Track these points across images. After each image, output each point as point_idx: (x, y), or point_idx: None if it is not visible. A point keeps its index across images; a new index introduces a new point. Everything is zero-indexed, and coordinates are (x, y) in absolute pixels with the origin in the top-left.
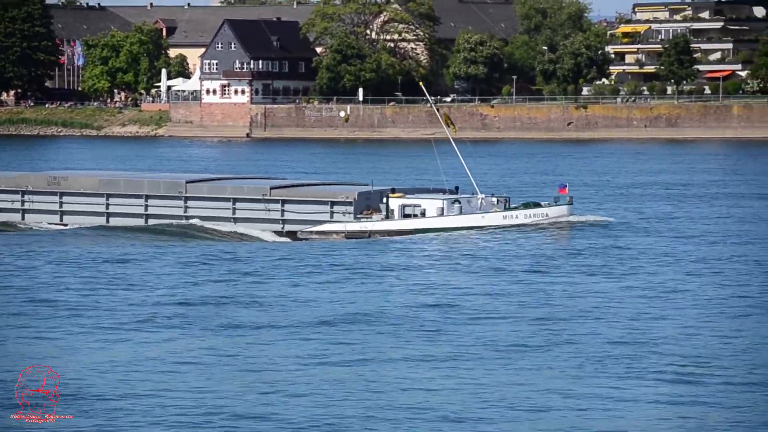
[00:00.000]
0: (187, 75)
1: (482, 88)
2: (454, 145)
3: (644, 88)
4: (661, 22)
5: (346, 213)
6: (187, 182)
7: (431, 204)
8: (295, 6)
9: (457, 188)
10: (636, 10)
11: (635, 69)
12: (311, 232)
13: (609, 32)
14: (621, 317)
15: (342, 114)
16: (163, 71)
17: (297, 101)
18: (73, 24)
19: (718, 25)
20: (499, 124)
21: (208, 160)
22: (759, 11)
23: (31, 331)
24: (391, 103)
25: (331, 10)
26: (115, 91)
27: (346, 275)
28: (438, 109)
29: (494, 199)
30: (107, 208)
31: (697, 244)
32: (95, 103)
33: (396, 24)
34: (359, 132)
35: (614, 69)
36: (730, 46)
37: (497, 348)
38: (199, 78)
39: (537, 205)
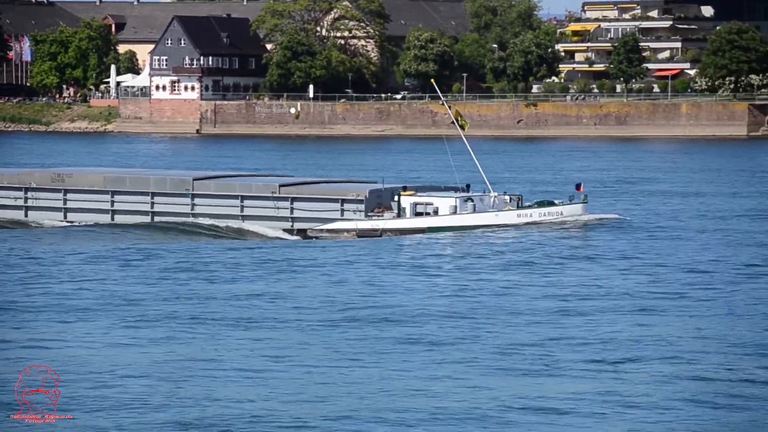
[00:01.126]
0: (136, 71)
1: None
2: (466, 142)
3: (594, 86)
4: (610, 20)
5: (357, 211)
6: (194, 179)
7: (444, 202)
8: (245, 3)
9: (468, 186)
10: (585, 8)
11: (585, 67)
12: (321, 230)
13: (559, 30)
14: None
15: (292, 110)
16: (113, 67)
17: (247, 98)
18: (21, 19)
19: (667, 24)
20: (450, 122)
21: (158, 155)
22: (707, 10)
23: (30, 330)
24: (342, 100)
25: (281, 6)
26: (64, 86)
27: (364, 272)
28: (450, 107)
29: (507, 197)
30: (112, 205)
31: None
32: (44, 99)
33: (346, 21)
34: (309, 129)
35: (564, 67)
36: (678, 44)
37: (513, 349)
38: (149, 74)
39: (551, 203)
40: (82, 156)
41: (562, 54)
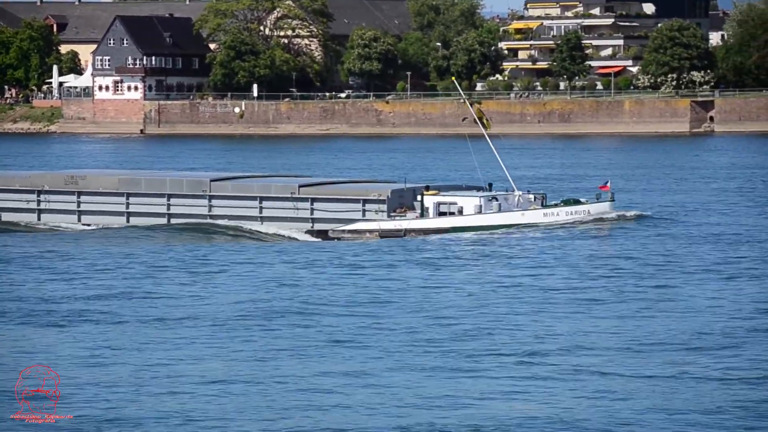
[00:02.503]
0: (79, 71)
1: (377, 84)
2: (489, 141)
3: (537, 83)
4: (552, 18)
5: (379, 211)
6: (211, 180)
7: (469, 201)
8: (187, 2)
9: (490, 185)
10: (528, 6)
11: (528, 65)
12: (343, 231)
13: (502, 28)
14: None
15: (236, 110)
16: (55, 67)
17: (191, 97)
18: None
19: (609, 21)
20: (394, 120)
21: (102, 156)
22: (648, 8)
23: (30, 333)
24: (286, 99)
25: (224, 6)
26: (6, 87)
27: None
28: (471, 104)
29: (531, 196)
30: (127, 207)
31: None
32: None
33: (290, 20)
34: (254, 128)
35: (507, 65)
36: (620, 42)
37: (552, 350)
38: (92, 74)
39: (577, 201)
40: (26, 158)
41: (506, 52)
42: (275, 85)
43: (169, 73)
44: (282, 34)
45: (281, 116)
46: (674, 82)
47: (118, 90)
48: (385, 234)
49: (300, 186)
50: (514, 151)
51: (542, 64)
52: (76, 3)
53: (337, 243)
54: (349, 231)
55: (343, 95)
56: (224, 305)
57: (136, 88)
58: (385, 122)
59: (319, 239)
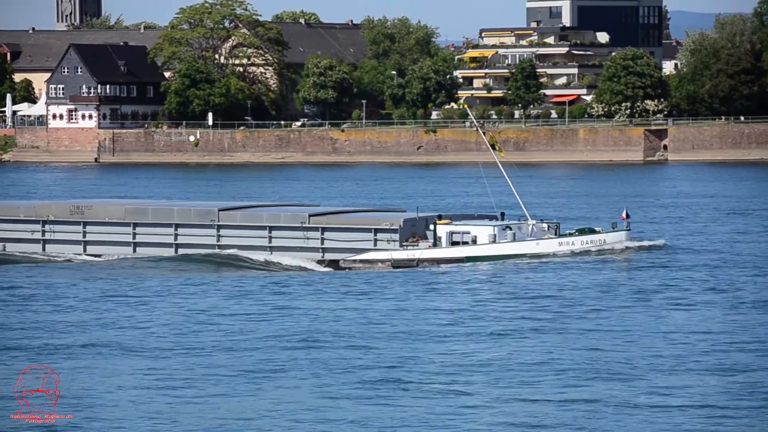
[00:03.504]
0: (32, 100)
1: (332, 112)
2: (502, 169)
3: (492, 112)
4: (507, 47)
5: (391, 241)
6: (219, 210)
7: (482, 230)
8: (142, 30)
9: (502, 214)
10: (483, 35)
11: (483, 93)
12: (355, 260)
13: (457, 57)
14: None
15: (191, 138)
16: (8, 96)
17: (146, 126)
18: None
19: (563, 50)
20: (350, 148)
21: (56, 185)
22: (602, 36)
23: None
24: (241, 128)
25: (179, 34)
26: None
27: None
28: (485, 133)
29: (545, 225)
30: (134, 237)
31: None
32: None
33: (245, 48)
34: (209, 156)
35: (462, 93)
36: (575, 71)
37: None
38: (45, 103)
39: (592, 231)
40: None
41: (461, 80)
42: (230, 114)
43: (123, 102)
44: (237, 62)
45: (236, 145)
46: (628, 111)
47: (72, 118)
48: (397, 264)
49: (310, 215)
50: (470, 179)
51: (497, 93)
52: (30, 31)
53: (349, 273)
54: (361, 261)
55: (298, 123)
56: (210, 335)
57: (90, 116)
58: (340, 151)
59: (330, 269)
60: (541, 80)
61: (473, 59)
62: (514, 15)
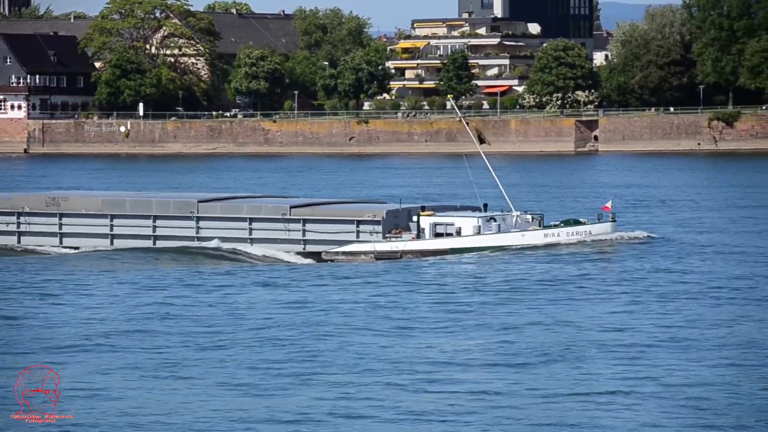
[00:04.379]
0: None
1: (264, 103)
2: (485, 159)
3: (424, 103)
4: (439, 38)
5: (374, 232)
6: (199, 201)
7: (467, 222)
8: (72, 20)
9: (485, 205)
10: (415, 26)
11: (415, 84)
12: (337, 252)
13: (389, 48)
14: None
15: (122, 129)
16: None
17: (76, 116)
18: None
19: (495, 41)
20: (282, 139)
21: None
22: (534, 28)
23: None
24: (173, 118)
25: (110, 24)
26: None
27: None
28: (467, 123)
29: (529, 217)
30: (111, 229)
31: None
32: None
33: (176, 39)
34: (140, 147)
35: (395, 84)
36: (506, 61)
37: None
38: None
39: (578, 222)
40: None
41: (393, 71)
42: (161, 104)
43: (53, 92)
44: (168, 52)
45: (168, 135)
46: (559, 102)
47: (1, 109)
48: (380, 256)
49: (291, 207)
50: (402, 170)
51: (429, 84)
52: None
53: (332, 264)
54: (344, 253)
55: (230, 114)
56: (196, 330)
57: (19, 107)
58: (272, 141)
59: (312, 261)
60: (473, 71)
61: (405, 50)
62: (445, 6)
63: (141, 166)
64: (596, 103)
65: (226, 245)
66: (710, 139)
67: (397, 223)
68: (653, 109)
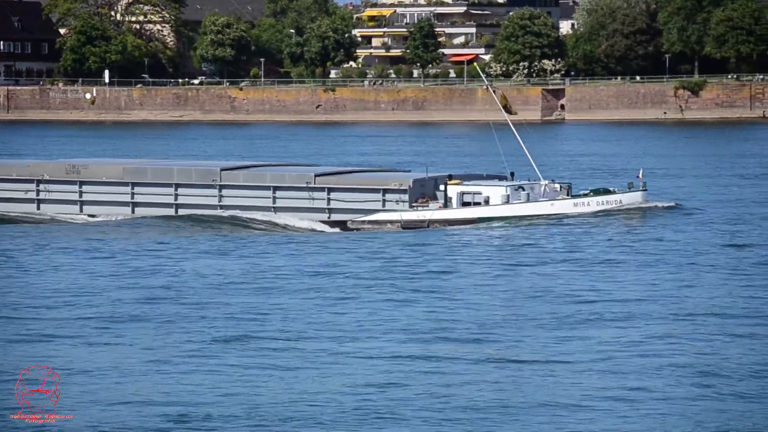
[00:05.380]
0: None
1: (230, 70)
2: (513, 128)
3: (391, 71)
4: (406, 6)
5: (400, 201)
6: (222, 170)
7: (495, 191)
8: None
9: (512, 174)
10: None
11: (382, 52)
12: (363, 221)
13: (355, 16)
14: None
15: (88, 96)
16: None
17: (41, 83)
18: None
19: (461, 9)
20: (248, 107)
21: None
22: None
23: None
24: (139, 86)
25: None
26: None
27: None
28: (494, 91)
29: (557, 185)
30: (132, 197)
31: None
32: None
33: (141, 5)
34: (106, 114)
35: (361, 52)
36: (473, 30)
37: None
38: None
39: (607, 191)
40: None
41: (359, 39)
42: (127, 71)
43: (18, 58)
44: (134, 19)
45: (133, 102)
46: (526, 71)
47: None
48: (407, 225)
49: (316, 175)
50: (370, 138)
51: (396, 52)
52: None
53: (359, 234)
54: (369, 222)
55: (196, 82)
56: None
57: None
58: (238, 109)
59: (337, 230)
60: (440, 39)
61: (371, 18)
62: None
63: (108, 133)
64: (562, 72)
65: (248, 214)
66: (676, 108)
67: (423, 192)
68: (619, 78)
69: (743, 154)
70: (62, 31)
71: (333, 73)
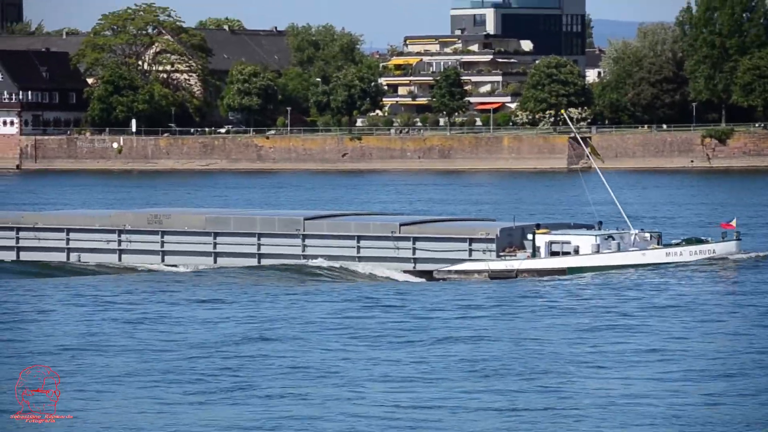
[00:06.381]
0: None
1: (257, 119)
2: (601, 175)
3: (417, 119)
4: (432, 54)
5: (488, 251)
6: (305, 219)
7: (585, 240)
8: (64, 36)
9: (600, 223)
10: (407, 42)
11: (408, 101)
12: (449, 271)
13: (381, 64)
14: None
15: (115, 145)
16: None
17: (68, 132)
18: None
19: (488, 57)
20: (275, 156)
21: None
22: (526, 45)
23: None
24: (165, 135)
25: (102, 40)
26: None
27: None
28: (583, 140)
29: (647, 235)
30: (215, 247)
31: None
32: None
33: (168, 55)
34: (133, 163)
35: (387, 101)
36: (499, 78)
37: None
38: None
39: (700, 240)
40: None
41: (386, 88)
42: (154, 120)
43: (45, 108)
44: (161, 68)
45: (160, 151)
46: (552, 119)
47: None
48: (495, 275)
49: (401, 224)
50: (390, 185)
51: (422, 100)
52: None
53: (446, 284)
54: (456, 271)
55: (222, 130)
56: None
57: (12, 123)
58: (265, 158)
59: (423, 280)
60: (466, 88)
61: (398, 66)
62: (438, 23)
63: (135, 182)
64: (589, 120)
65: (332, 263)
66: (703, 156)
67: (510, 241)
68: (646, 126)
69: None
70: (90, 80)
71: (359, 122)
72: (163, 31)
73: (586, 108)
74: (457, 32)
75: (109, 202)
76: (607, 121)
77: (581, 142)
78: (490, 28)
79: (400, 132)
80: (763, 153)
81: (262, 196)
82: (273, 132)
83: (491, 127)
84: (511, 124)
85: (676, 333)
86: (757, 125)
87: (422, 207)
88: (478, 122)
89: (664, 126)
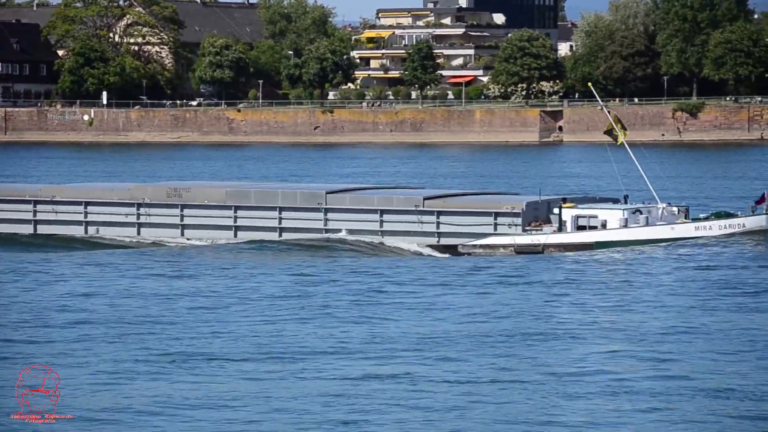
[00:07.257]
0: None
1: (229, 92)
2: (627, 148)
3: (389, 92)
4: (404, 27)
5: (513, 225)
6: (327, 193)
7: (612, 214)
8: (35, 8)
9: (626, 197)
10: (380, 15)
11: (380, 74)
12: (474, 245)
13: (353, 37)
14: None
15: (86, 117)
16: None
17: (39, 104)
18: None
19: (460, 31)
20: (246, 128)
21: None
22: (499, 18)
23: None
24: (136, 107)
25: (73, 12)
26: None
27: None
28: (609, 112)
29: (675, 209)
30: (235, 221)
31: None
32: None
33: (140, 27)
34: (104, 136)
35: (359, 74)
36: (471, 51)
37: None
38: None
39: (729, 215)
40: None
41: (358, 61)
42: (125, 93)
43: (16, 80)
44: (132, 41)
45: (131, 124)
46: (524, 92)
47: None
48: (521, 249)
49: (425, 198)
50: (371, 157)
51: (394, 73)
52: None
53: (473, 258)
54: (481, 246)
55: (194, 103)
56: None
57: None
58: (236, 130)
59: (447, 254)
60: (438, 61)
61: (370, 39)
62: None
63: (106, 155)
64: (561, 94)
65: (354, 237)
66: (674, 129)
67: (536, 215)
68: (618, 99)
69: None
70: (60, 52)
71: (331, 95)
72: (135, 3)
73: (558, 81)
74: (430, 5)
75: (78, 174)
76: (578, 95)
77: (607, 112)
78: (463, 1)
79: (372, 105)
80: (734, 126)
81: (227, 168)
82: (245, 105)
83: (463, 101)
84: (483, 97)
85: (709, 308)
86: (728, 99)
87: (388, 179)
88: (450, 96)
89: (636, 100)
